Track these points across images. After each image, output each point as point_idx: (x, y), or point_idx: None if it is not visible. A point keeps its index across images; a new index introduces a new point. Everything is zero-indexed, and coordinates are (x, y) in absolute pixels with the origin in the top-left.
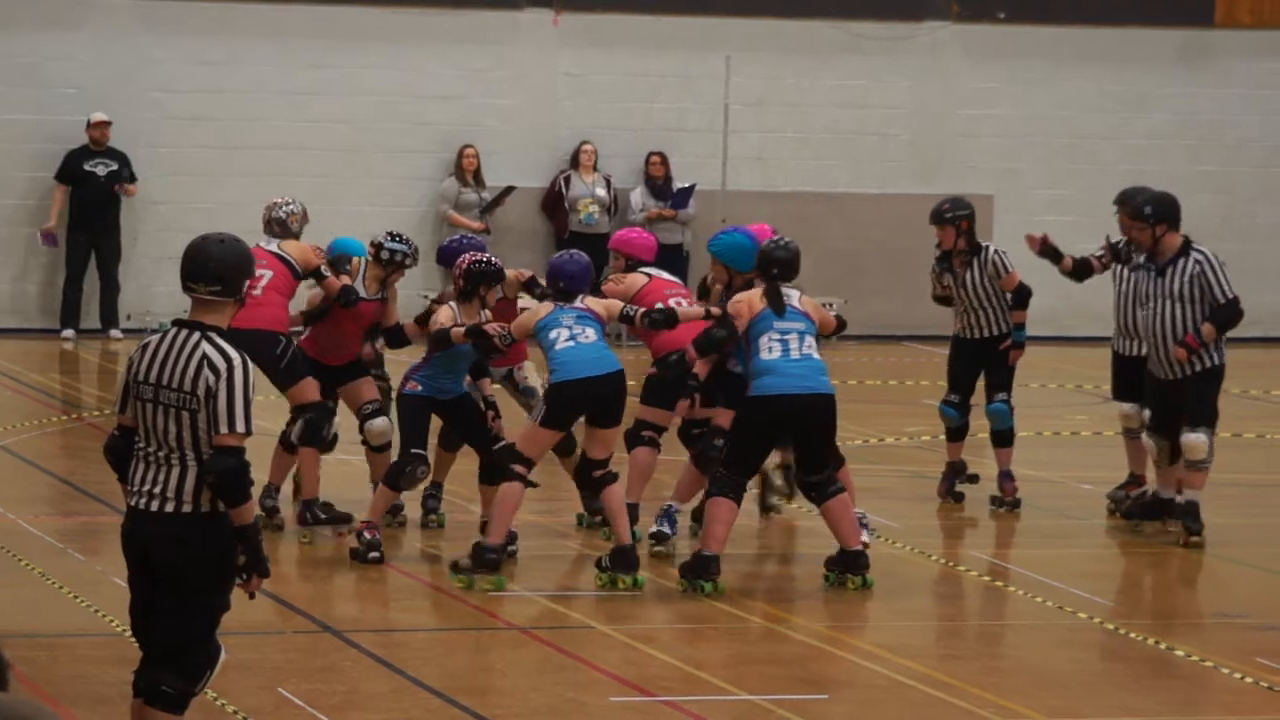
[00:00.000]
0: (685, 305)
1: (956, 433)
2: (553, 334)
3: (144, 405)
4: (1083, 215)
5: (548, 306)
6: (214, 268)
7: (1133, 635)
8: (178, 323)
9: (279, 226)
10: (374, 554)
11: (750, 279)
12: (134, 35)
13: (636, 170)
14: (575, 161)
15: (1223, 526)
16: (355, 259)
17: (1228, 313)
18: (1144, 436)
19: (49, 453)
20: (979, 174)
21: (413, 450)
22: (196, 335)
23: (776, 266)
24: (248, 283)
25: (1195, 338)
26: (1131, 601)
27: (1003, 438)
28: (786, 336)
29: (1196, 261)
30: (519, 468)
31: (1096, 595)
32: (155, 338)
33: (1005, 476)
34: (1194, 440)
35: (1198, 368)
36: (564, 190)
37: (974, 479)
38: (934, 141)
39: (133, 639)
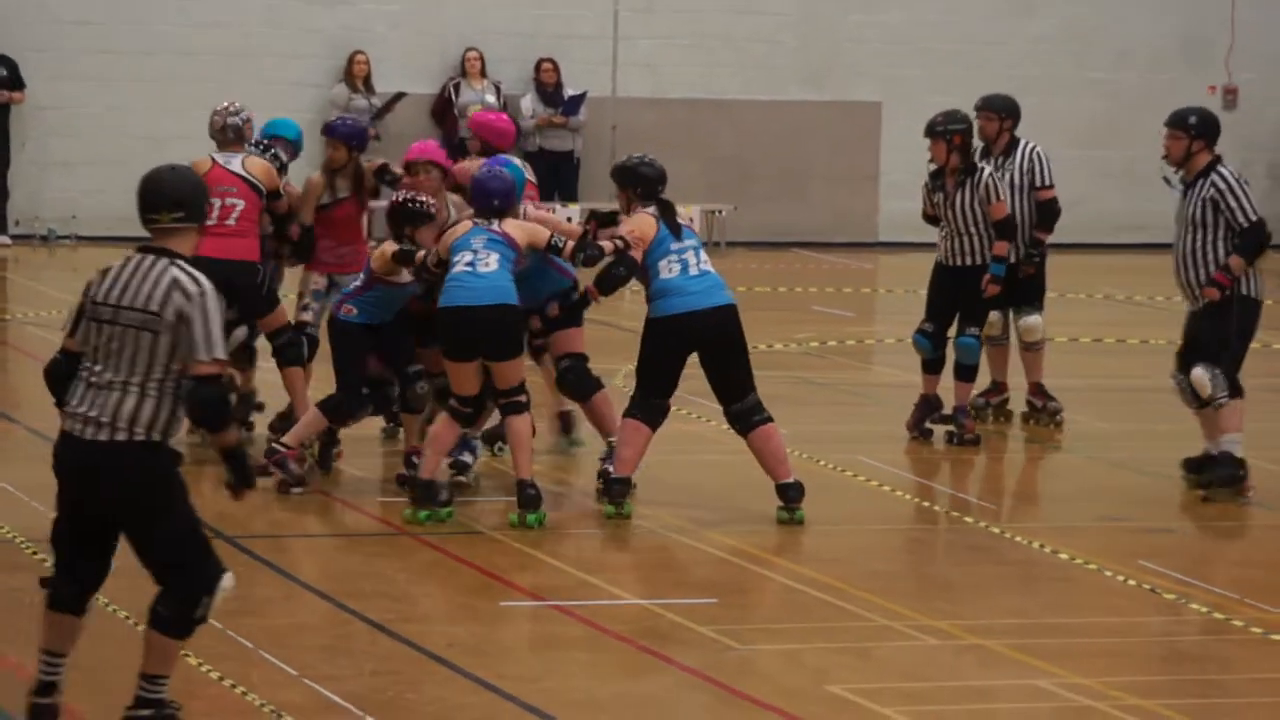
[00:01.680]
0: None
1: (931, 365)
2: (457, 256)
3: (99, 326)
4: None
5: (466, 225)
6: (173, 194)
7: (1019, 540)
8: (142, 249)
9: (234, 134)
10: (296, 489)
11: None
12: None
13: (526, 77)
14: (464, 68)
15: (1107, 431)
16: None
17: (1253, 238)
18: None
19: None
20: (867, 81)
21: (357, 390)
22: (164, 260)
23: (654, 184)
24: (218, 212)
25: (1225, 273)
26: (1018, 506)
27: (966, 372)
28: (684, 255)
29: (1214, 183)
30: (452, 403)
31: (984, 500)
32: (118, 262)
33: (962, 413)
34: (1197, 376)
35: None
36: (453, 97)
37: (946, 419)
38: (823, 48)
39: (26, 547)
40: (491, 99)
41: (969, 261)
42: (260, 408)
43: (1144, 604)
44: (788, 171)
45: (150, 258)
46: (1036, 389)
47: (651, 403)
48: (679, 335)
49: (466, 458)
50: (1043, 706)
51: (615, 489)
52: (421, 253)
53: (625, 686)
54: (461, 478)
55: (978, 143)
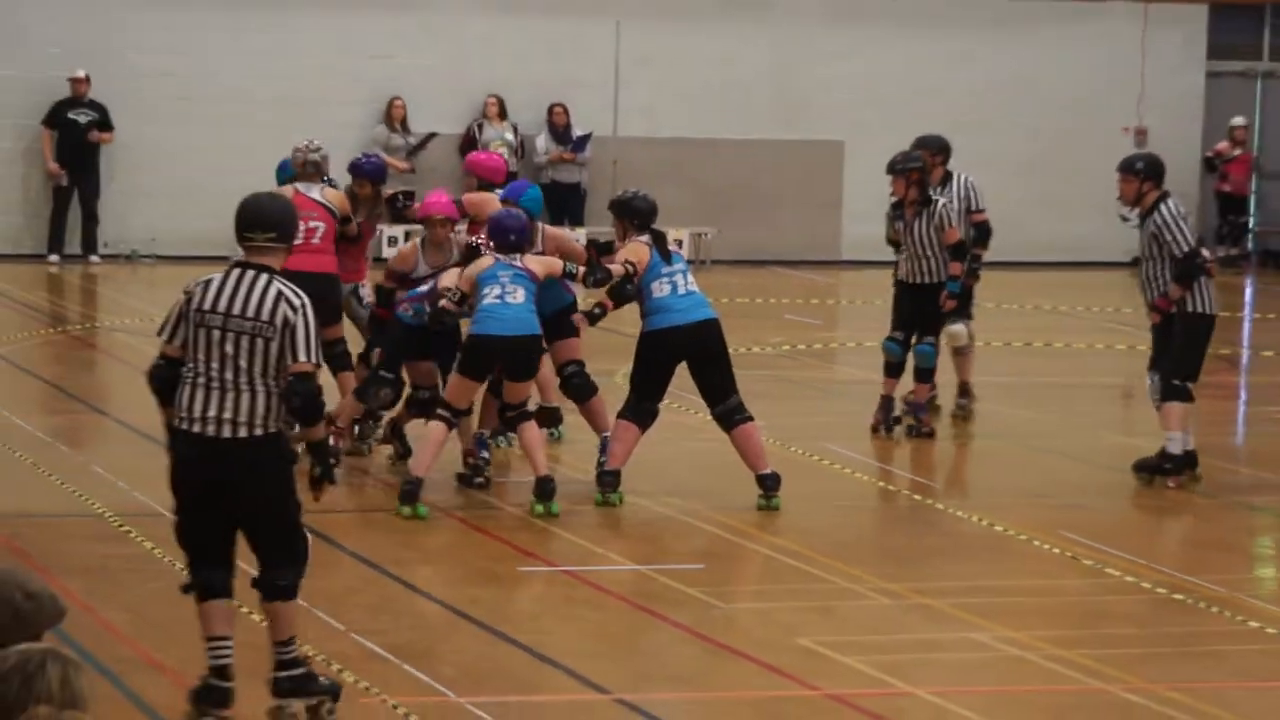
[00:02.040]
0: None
1: (895, 368)
2: (486, 289)
3: (208, 333)
4: None
5: (489, 260)
6: (269, 218)
7: (959, 514)
8: (239, 264)
9: (314, 169)
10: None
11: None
12: (110, 4)
13: (540, 119)
14: (486, 111)
15: (1036, 420)
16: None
17: (1185, 266)
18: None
19: (38, 360)
20: (831, 123)
21: (383, 373)
22: (264, 275)
23: (648, 216)
24: (303, 233)
25: (1164, 299)
26: (959, 487)
27: (924, 375)
28: (673, 277)
29: (1154, 219)
30: (442, 411)
31: (930, 480)
32: (217, 276)
33: (921, 409)
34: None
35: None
36: (477, 135)
37: (897, 421)
38: (794, 95)
39: (114, 521)
40: (510, 137)
41: (927, 280)
42: None
43: (1066, 568)
44: (764, 200)
45: (250, 272)
46: (963, 388)
47: (643, 406)
48: (668, 346)
49: (485, 455)
50: (980, 656)
51: (606, 480)
52: (446, 284)
53: (625, 640)
54: (479, 479)
55: (893, 198)
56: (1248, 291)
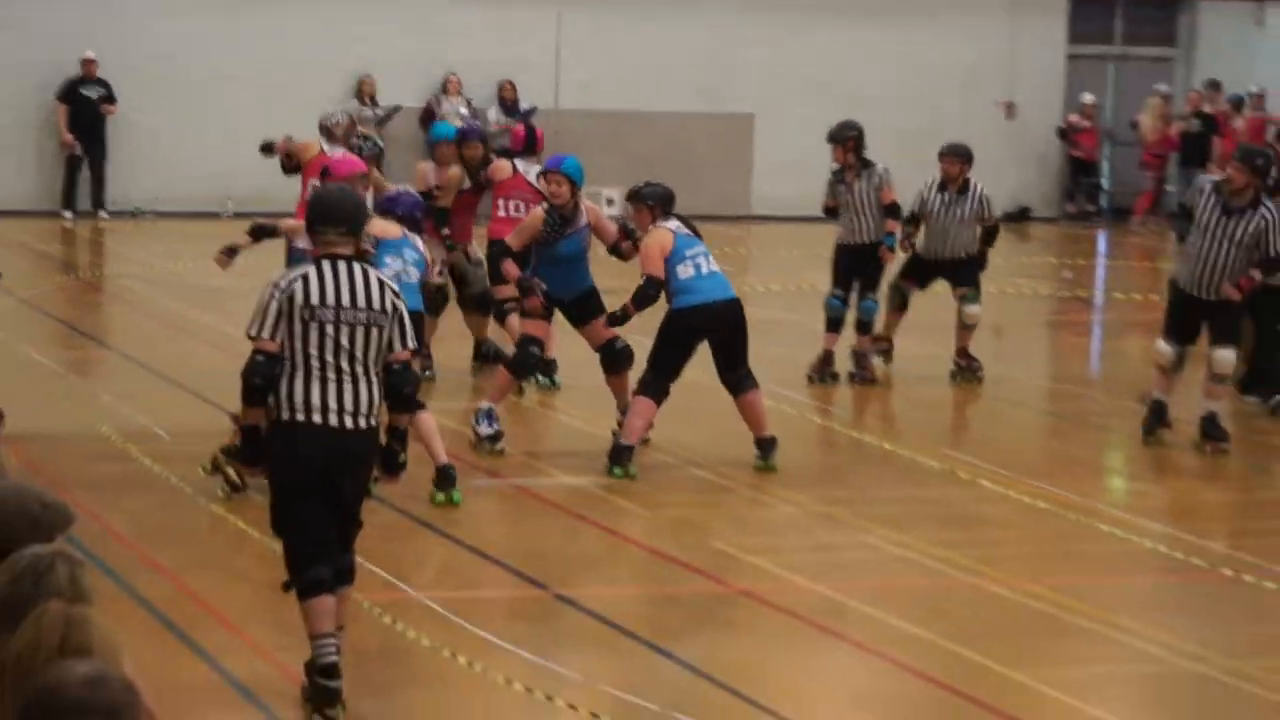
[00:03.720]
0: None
1: (836, 323)
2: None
3: (321, 327)
4: (819, 128)
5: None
6: (339, 213)
7: (854, 434)
8: (325, 257)
9: (326, 134)
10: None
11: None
12: None
13: (491, 94)
14: (444, 87)
15: (930, 355)
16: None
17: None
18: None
19: (53, 303)
20: (747, 99)
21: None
22: (356, 265)
23: (667, 203)
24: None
25: (1249, 280)
26: (860, 414)
27: (865, 327)
28: (697, 259)
29: (1265, 216)
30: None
31: (833, 408)
32: (311, 270)
33: (863, 356)
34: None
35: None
36: (436, 108)
37: (835, 376)
38: (712, 73)
39: (119, 442)
40: (464, 110)
41: (865, 240)
42: None
43: (947, 481)
44: (685, 164)
45: (343, 264)
46: (964, 353)
47: (661, 383)
48: (693, 324)
49: (494, 427)
50: (870, 556)
51: (623, 454)
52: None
53: (562, 543)
54: (496, 447)
55: (835, 165)
56: (1101, 242)
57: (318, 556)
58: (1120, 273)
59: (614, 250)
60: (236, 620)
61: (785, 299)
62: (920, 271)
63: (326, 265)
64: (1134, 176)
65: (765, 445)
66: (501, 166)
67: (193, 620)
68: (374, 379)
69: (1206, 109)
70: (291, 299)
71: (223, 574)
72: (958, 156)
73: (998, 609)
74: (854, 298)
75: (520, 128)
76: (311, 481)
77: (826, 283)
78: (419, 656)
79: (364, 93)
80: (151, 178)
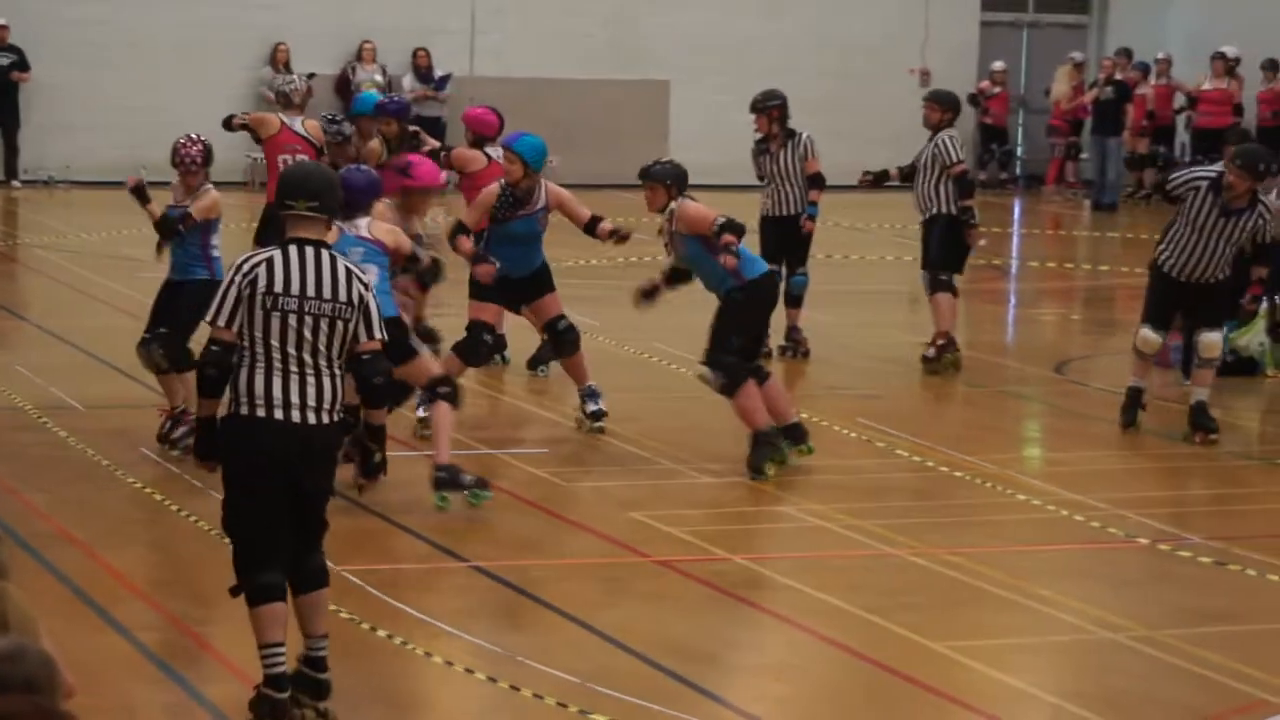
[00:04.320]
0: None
1: None
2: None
3: (283, 317)
4: (734, 96)
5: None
6: (311, 186)
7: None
8: (291, 241)
9: (283, 99)
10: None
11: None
12: None
13: (406, 61)
14: (359, 55)
15: (837, 323)
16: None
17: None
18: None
19: None
20: (660, 65)
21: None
22: (324, 251)
23: (683, 180)
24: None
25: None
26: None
27: (797, 301)
28: None
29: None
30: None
31: None
32: (275, 254)
33: (795, 330)
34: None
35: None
36: (351, 76)
37: (768, 352)
38: (628, 41)
39: (34, 413)
40: (379, 78)
41: (790, 211)
42: None
43: (862, 450)
44: (602, 131)
45: (309, 249)
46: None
47: (745, 364)
48: (768, 291)
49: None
50: (787, 526)
51: (762, 447)
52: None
53: (481, 516)
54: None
55: (758, 134)
56: (1016, 209)
57: (269, 560)
58: (1034, 241)
59: (589, 230)
60: (152, 593)
61: None
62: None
63: (293, 251)
64: (1042, 143)
65: (794, 433)
66: (474, 157)
67: (109, 593)
68: (337, 373)
69: (1119, 77)
70: (254, 285)
71: (139, 547)
72: (938, 103)
73: (915, 578)
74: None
75: (493, 115)
76: (267, 479)
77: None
78: (339, 629)
79: (277, 61)
80: (65, 146)
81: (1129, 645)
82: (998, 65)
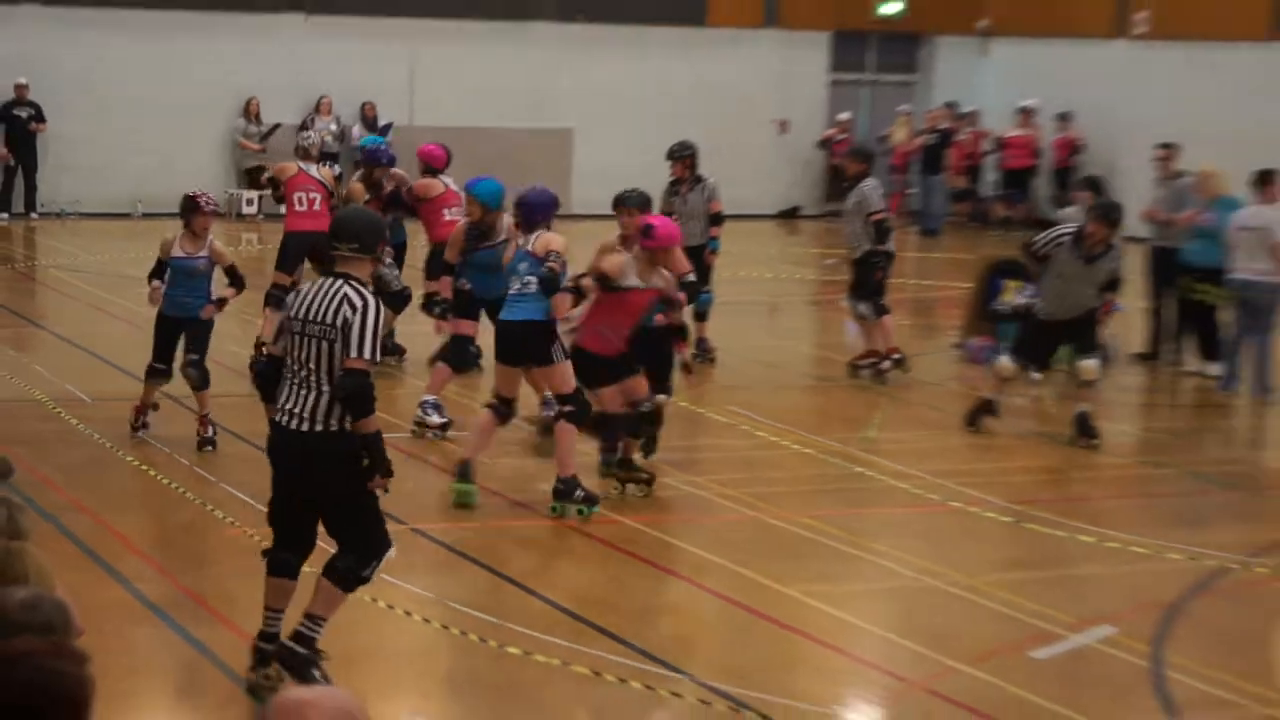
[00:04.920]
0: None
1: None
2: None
3: (295, 338)
4: (626, 141)
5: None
6: (352, 230)
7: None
8: (327, 273)
9: (302, 151)
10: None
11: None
12: (43, 30)
13: (356, 113)
14: (318, 107)
15: (714, 329)
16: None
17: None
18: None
19: None
20: (570, 116)
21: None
22: (340, 282)
23: (647, 205)
24: (308, 201)
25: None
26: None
27: (704, 316)
28: None
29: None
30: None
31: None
32: (311, 285)
33: (703, 342)
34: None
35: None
36: (311, 126)
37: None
38: (539, 95)
39: (51, 406)
40: (334, 127)
41: (696, 243)
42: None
43: (730, 432)
44: (517, 169)
45: (332, 280)
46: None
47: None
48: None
49: (444, 417)
50: (669, 495)
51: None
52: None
53: (418, 487)
54: (449, 433)
55: (672, 177)
56: None
57: (282, 542)
58: None
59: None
60: (149, 550)
61: None
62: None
63: (320, 283)
64: (882, 180)
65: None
66: (431, 185)
67: (112, 551)
68: (329, 389)
69: (943, 125)
70: (287, 311)
71: (137, 513)
72: (855, 157)
73: (773, 537)
74: None
75: (441, 150)
76: (277, 473)
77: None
78: (301, 582)
79: (250, 112)
80: (73, 184)
81: (946, 589)
82: (843, 116)
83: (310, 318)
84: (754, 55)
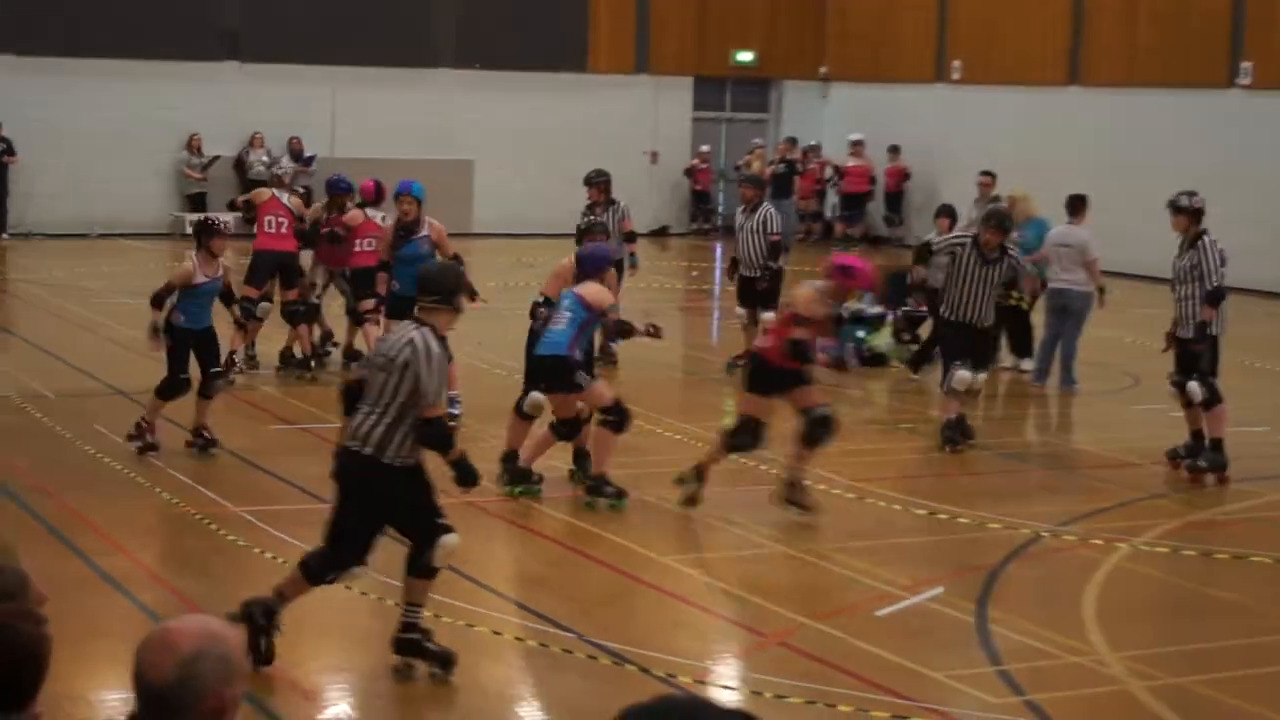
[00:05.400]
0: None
1: None
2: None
3: (371, 370)
4: (518, 170)
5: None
6: (432, 284)
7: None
8: (411, 319)
9: (276, 180)
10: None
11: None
12: (14, 77)
13: (284, 145)
14: (251, 141)
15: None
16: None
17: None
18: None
19: None
20: (469, 149)
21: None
22: (414, 325)
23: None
24: (275, 224)
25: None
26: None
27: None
28: None
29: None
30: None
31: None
32: (398, 327)
33: (606, 347)
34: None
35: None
36: (245, 158)
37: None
38: (442, 130)
39: (17, 400)
40: (265, 158)
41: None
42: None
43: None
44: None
45: (410, 323)
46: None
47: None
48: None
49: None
50: (552, 476)
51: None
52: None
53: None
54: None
55: (589, 201)
56: (718, 251)
57: (325, 554)
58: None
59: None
60: (106, 528)
61: (511, 298)
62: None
63: (404, 326)
64: (737, 204)
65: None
66: (355, 215)
67: (73, 529)
68: (385, 416)
69: (790, 156)
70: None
71: (96, 495)
72: (751, 184)
73: (646, 511)
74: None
75: (371, 183)
76: (336, 486)
77: (532, 280)
78: (236, 552)
79: (192, 145)
80: (38, 208)
81: (799, 556)
82: (704, 148)
83: (379, 352)
84: (628, 97)
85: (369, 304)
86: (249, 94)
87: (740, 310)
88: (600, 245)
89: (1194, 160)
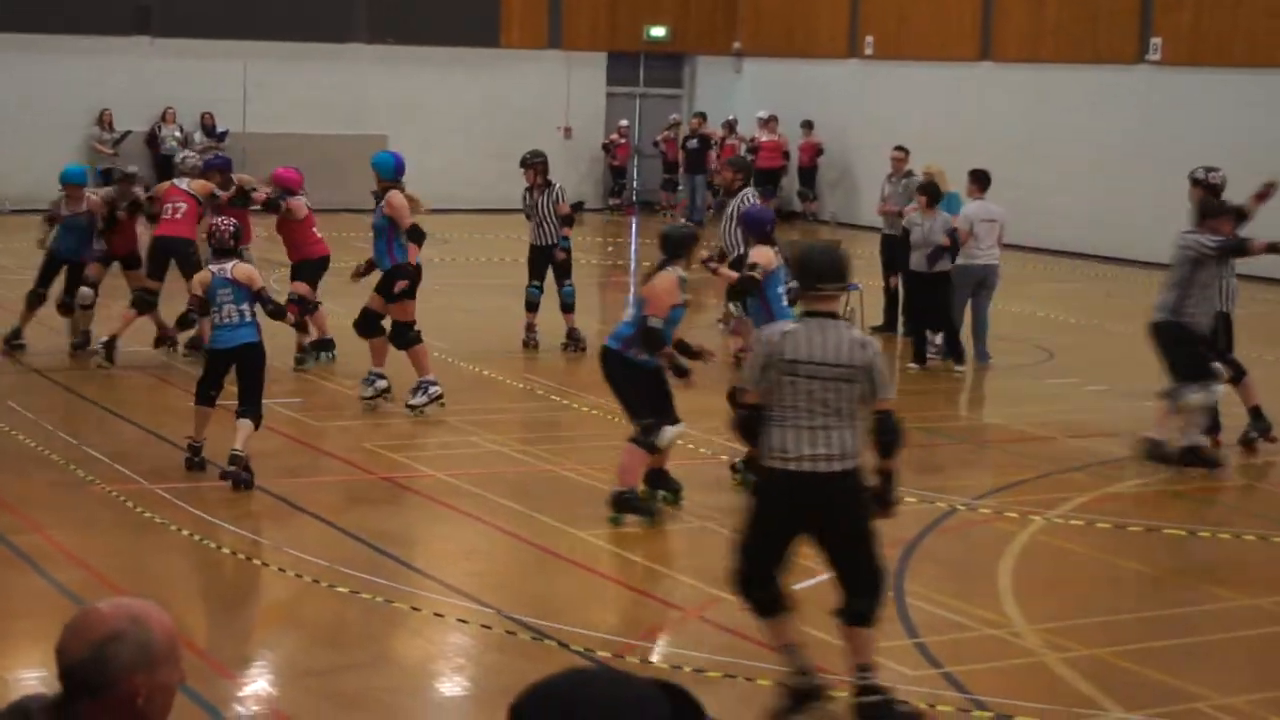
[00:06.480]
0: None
1: (534, 306)
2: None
3: (800, 381)
4: (432, 146)
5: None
6: (841, 271)
7: (464, 365)
8: (807, 314)
9: (188, 169)
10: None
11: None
12: None
13: (196, 121)
14: (163, 117)
15: (485, 309)
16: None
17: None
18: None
19: None
20: (383, 124)
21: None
22: (832, 322)
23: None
24: (171, 210)
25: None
26: (479, 355)
27: (569, 308)
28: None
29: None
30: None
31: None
32: (793, 328)
33: (574, 330)
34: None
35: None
36: (158, 133)
37: (537, 344)
38: (355, 105)
39: None
40: (178, 134)
41: (548, 242)
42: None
43: (527, 397)
44: (336, 172)
45: (822, 320)
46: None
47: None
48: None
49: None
50: (474, 451)
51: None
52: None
53: (258, 450)
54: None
55: (526, 183)
56: (634, 225)
57: (757, 580)
58: (646, 248)
59: (411, 236)
60: (19, 506)
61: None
62: None
63: (806, 327)
64: (653, 179)
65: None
66: (299, 205)
67: (32, 544)
68: (851, 426)
69: (703, 132)
70: (770, 355)
71: (8, 473)
72: (733, 168)
73: (566, 487)
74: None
75: (296, 173)
76: (780, 515)
77: (446, 255)
78: (154, 530)
79: (104, 121)
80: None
81: (717, 530)
82: (622, 123)
83: (822, 360)
84: (541, 72)
85: (304, 287)
86: (161, 69)
87: (731, 306)
88: (759, 207)
89: (1104, 135)
